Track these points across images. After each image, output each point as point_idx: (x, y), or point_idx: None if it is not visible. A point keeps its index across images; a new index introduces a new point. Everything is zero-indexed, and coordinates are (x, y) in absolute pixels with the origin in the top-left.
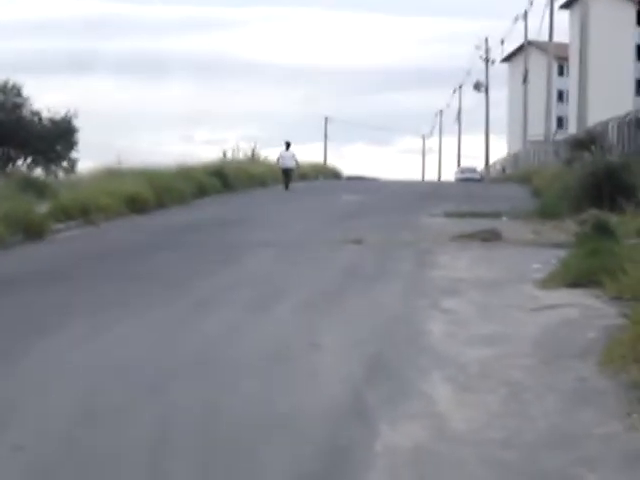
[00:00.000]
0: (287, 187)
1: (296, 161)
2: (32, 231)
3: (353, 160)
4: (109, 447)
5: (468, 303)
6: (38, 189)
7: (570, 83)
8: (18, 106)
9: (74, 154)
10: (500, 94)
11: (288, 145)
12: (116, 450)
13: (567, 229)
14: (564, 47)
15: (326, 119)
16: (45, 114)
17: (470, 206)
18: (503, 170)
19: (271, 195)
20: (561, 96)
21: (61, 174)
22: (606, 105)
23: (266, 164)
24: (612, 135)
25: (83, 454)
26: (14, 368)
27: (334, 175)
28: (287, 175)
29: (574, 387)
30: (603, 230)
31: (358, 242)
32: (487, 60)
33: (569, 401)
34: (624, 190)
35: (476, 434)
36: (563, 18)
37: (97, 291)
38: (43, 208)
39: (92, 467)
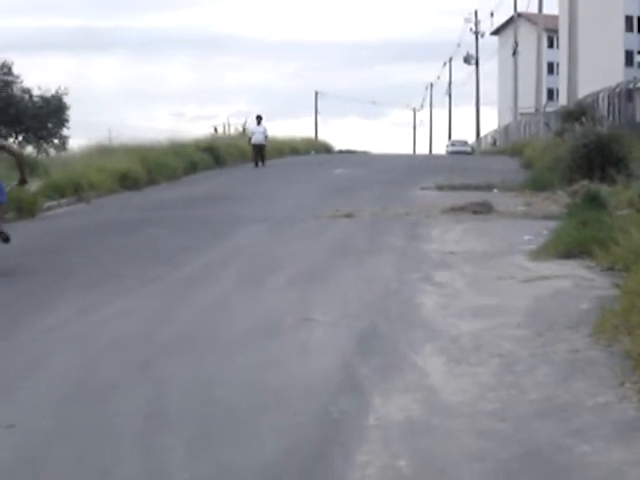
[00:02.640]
0: (257, 164)
1: (266, 136)
2: (24, 209)
3: (344, 134)
4: (102, 422)
5: (460, 275)
6: (30, 166)
7: (560, 55)
8: (8, 84)
9: (65, 131)
10: (490, 67)
11: (259, 119)
12: (109, 425)
13: (558, 201)
14: (554, 19)
15: (316, 93)
16: (36, 92)
17: (461, 179)
18: (494, 142)
19: (262, 170)
20: (551, 68)
21: (52, 151)
22: (596, 76)
23: None
24: (603, 106)
25: (75, 430)
26: (9, 343)
27: (326, 149)
28: (259, 151)
29: (567, 358)
30: (594, 201)
31: (350, 216)
32: (477, 33)
33: (562, 372)
34: (615, 161)
35: (469, 406)
36: None
37: (89, 268)
38: (34, 186)
39: (85, 442)
